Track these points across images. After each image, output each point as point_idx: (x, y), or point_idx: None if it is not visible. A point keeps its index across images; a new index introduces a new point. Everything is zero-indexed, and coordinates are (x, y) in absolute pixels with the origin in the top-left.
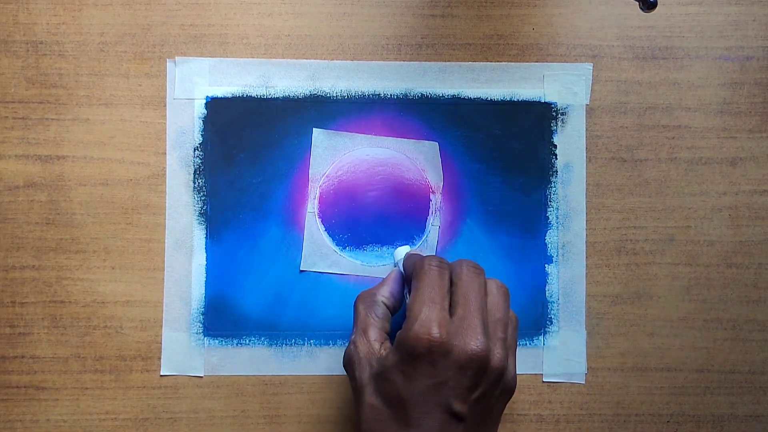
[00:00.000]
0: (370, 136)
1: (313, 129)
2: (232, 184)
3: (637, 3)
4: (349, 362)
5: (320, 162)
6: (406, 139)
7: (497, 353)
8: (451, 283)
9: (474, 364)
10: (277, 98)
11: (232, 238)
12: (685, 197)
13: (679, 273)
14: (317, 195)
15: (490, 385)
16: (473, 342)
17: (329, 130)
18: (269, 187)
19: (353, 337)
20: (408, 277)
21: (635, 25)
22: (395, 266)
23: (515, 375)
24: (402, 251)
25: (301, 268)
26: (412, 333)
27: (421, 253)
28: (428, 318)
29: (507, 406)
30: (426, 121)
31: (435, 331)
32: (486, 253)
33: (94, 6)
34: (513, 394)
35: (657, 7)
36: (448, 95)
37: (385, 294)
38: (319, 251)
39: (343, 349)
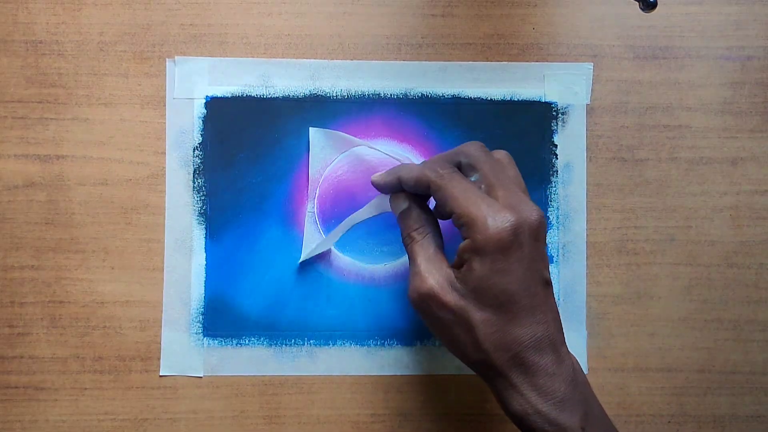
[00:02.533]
0: (367, 140)
1: (310, 128)
2: (232, 183)
3: (637, 3)
4: (425, 298)
5: (318, 160)
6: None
7: (541, 212)
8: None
9: (541, 233)
10: (277, 98)
11: (232, 238)
12: (685, 197)
13: (679, 273)
14: (317, 195)
15: (544, 240)
16: (533, 212)
17: (326, 129)
18: (269, 186)
19: (419, 279)
20: (417, 190)
21: (636, 24)
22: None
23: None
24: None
25: (299, 266)
26: (492, 230)
27: (407, 170)
28: (492, 211)
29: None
30: (426, 120)
31: (509, 218)
32: None
33: (94, 5)
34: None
35: (657, 7)
36: (448, 95)
37: (425, 223)
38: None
39: (343, 349)
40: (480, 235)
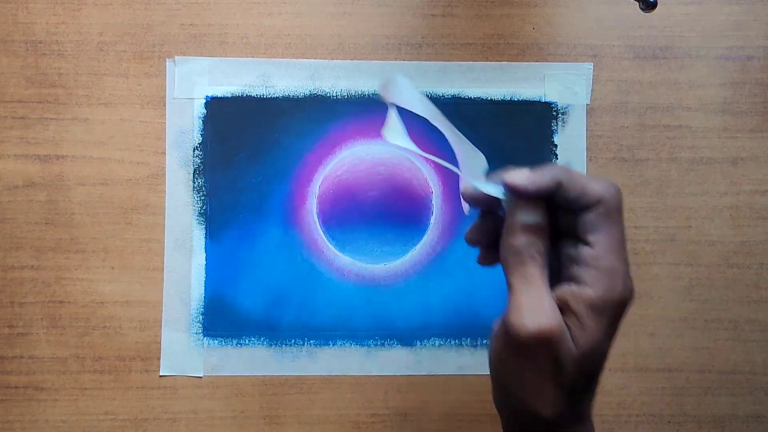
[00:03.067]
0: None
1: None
2: (232, 183)
3: (638, 3)
4: (542, 339)
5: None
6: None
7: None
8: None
9: (621, 309)
10: (277, 98)
11: (232, 237)
12: (686, 197)
13: (680, 273)
14: (317, 195)
15: None
16: (631, 291)
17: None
18: (269, 186)
19: (526, 302)
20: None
21: (636, 24)
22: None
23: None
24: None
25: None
26: (620, 291)
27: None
28: (624, 271)
29: None
30: (426, 121)
31: (629, 285)
32: None
33: (94, 5)
34: None
35: (657, 7)
36: (448, 95)
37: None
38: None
39: (343, 349)
40: (609, 292)
